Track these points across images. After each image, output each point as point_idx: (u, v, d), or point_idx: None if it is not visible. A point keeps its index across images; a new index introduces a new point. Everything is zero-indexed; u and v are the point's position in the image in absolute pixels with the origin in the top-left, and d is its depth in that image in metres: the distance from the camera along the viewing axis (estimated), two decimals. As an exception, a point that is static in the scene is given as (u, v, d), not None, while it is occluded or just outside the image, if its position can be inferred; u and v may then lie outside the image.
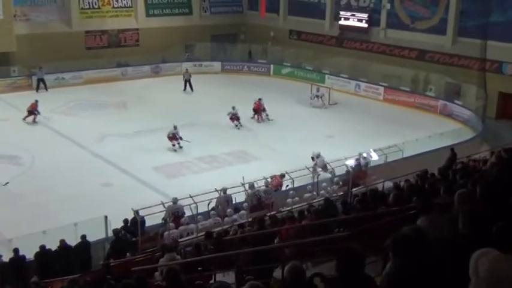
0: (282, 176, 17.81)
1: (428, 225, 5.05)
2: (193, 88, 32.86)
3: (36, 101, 26.86)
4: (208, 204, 14.65)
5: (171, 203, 14.69)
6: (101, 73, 34.92)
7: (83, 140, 23.57)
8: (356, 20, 35.05)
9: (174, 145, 23.04)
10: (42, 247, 12.99)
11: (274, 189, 17.03)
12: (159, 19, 38.72)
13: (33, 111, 26.40)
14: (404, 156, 19.45)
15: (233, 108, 26.11)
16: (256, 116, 27.16)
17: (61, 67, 33.27)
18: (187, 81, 33.27)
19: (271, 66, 37.47)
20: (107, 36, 37.22)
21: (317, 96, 30.12)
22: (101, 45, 36.92)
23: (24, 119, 26.22)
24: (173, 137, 23.03)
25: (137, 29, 38.14)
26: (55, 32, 34.44)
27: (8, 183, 18.71)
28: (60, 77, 33.39)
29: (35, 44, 33.17)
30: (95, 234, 14.05)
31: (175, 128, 23.04)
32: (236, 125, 26.03)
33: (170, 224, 14.02)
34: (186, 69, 34.11)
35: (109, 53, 36.32)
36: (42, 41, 33.43)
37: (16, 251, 12.82)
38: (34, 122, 26.18)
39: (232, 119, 26.12)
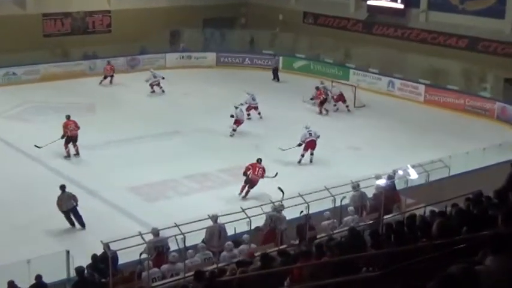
0: (259, 160, 20.63)
1: (498, 268, 4.89)
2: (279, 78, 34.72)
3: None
4: (184, 240, 14.36)
5: (151, 236, 14.61)
6: (63, 67, 35.07)
7: (39, 153, 23.57)
8: (389, -1, 35.19)
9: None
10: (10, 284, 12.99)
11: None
12: (137, -2, 38.94)
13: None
14: (452, 174, 19.39)
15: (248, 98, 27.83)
16: None
17: (12, 60, 33.37)
18: (275, 70, 34.91)
19: (280, 58, 37.53)
20: (71, 20, 37.39)
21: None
22: (63, 31, 37.10)
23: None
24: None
25: (109, 11, 38.32)
26: (4, 15, 34.59)
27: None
28: (11, 72, 33.56)
29: (-21, 30, 33.38)
30: (54, 274, 13.99)
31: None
32: (249, 115, 27.71)
33: (150, 261, 13.96)
34: (274, 55, 35.79)
35: (73, 41, 36.48)
36: (-12, 26, 33.64)
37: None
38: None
39: (249, 108, 27.50)
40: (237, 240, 15.36)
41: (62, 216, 18.62)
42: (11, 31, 33.81)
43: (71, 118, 23.64)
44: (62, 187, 17.98)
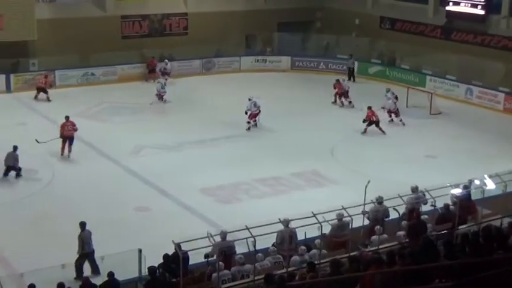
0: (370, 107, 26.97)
1: None
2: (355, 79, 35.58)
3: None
4: (254, 243, 14.45)
5: (219, 239, 14.68)
6: (140, 69, 35.74)
7: (115, 152, 24.07)
8: (469, 5, 34.48)
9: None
10: (61, 285, 13.26)
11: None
12: (214, 2, 39.24)
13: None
14: (531, 185, 18.89)
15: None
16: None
17: (91, 60, 34.34)
18: (351, 70, 35.61)
19: (356, 63, 37.30)
20: (148, 22, 38.03)
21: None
22: (141, 33, 37.79)
23: None
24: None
25: (186, 14, 38.81)
26: (84, 17, 35.46)
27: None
28: (90, 73, 34.43)
29: (60, 32, 34.30)
30: (126, 272, 14.25)
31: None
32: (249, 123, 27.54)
33: (220, 263, 14.03)
34: (350, 55, 36.19)
35: (150, 43, 37.12)
36: (69, 27, 34.49)
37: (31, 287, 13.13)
38: None
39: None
40: (307, 245, 15.33)
41: (135, 214, 19.24)
42: (90, 32, 34.59)
43: (70, 119, 24.07)
44: (15, 147, 21.71)
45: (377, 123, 27.10)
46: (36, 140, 23.37)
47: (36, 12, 33.60)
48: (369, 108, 27.34)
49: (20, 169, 21.73)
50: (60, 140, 23.66)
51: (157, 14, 38.13)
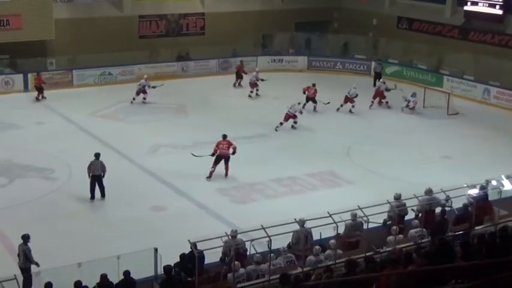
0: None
1: None
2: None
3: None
4: (270, 243, 14.44)
5: (229, 237, 14.68)
6: (157, 68, 35.90)
7: (131, 152, 24.16)
8: (487, 4, 34.32)
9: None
10: (78, 283, 13.32)
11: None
12: (231, 2, 39.39)
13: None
14: (549, 186, 18.75)
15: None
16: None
17: (108, 60, 34.49)
18: (378, 74, 34.96)
19: (373, 63, 37.24)
20: (165, 22, 38.21)
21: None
22: (158, 33, 37.96)
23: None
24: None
25: (203, 14, 38.95)
26: (102, 17, 35.75)
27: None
28: (107, 72, 34.60)
29: (78, 31, 34.60)
30: (142, 271, 14.29)
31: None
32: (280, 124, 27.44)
33: (236, 262, 14.05)
34: (379, 61, 35.79)
35: (167, 43, 37.29)
36: (87, 27, 34.81)
37: (48, 286, 13.21)
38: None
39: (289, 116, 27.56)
40: (322, 245, 15.31)
41: (151, 213, 19.28)
42: (108, 32, 34.88)
43: (227, 138, 22.44)
44: (97, 155, 20.20)
45: (313, 99, 29.82)
46: (192, 154, 22.63)
47: (54, 12, 33.84)
48: (313, 85, 30.09)
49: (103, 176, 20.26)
50: (213, 159, 22.12)
51: (174, 14, 38.33)
